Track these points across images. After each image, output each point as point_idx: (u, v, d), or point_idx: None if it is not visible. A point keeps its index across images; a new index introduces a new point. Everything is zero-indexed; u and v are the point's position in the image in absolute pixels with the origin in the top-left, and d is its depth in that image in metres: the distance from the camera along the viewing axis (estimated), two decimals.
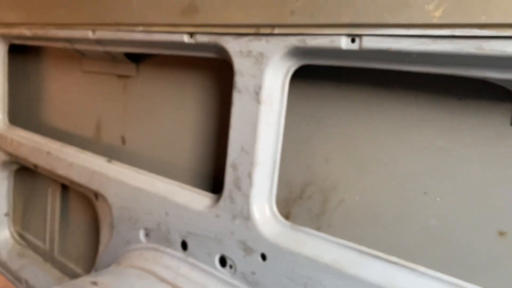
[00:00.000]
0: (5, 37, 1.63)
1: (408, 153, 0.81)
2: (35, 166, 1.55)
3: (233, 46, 0.92)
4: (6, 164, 1.71)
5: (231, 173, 0.95)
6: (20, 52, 1.73)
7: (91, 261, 1.52)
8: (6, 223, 1.82)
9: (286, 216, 0.98)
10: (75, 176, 1.35)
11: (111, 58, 1.32)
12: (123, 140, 1.36)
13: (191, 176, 1.18)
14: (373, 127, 0.85)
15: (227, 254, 0.96)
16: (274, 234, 0.89)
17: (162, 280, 0.99)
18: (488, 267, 0.73)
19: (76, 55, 1.46)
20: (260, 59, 0.88)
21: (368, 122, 0.86)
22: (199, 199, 1.03)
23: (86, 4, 1.25)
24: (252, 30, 0.88)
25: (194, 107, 1.17)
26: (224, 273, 0.97)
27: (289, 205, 0.98)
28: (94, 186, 1.29)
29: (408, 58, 0.70)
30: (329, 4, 0.76)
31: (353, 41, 0.74)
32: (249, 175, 0.91)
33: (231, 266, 0.96)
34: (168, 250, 1.07)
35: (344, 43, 0.75)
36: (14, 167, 1.75)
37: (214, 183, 1.13)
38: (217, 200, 0.99)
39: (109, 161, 1.30)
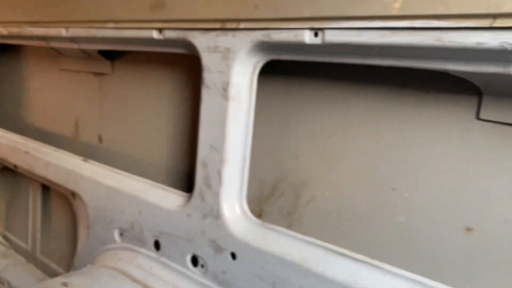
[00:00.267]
0: None
1: (376, 148, 0.80)
2: (15, 166, 1.53)
3: (200, 41, 0.90)
4: None
5: (202, 171, 0.93)
6: None
7: (72, 261, 1.50)
8: None
9: (259, 214, 0.97)
10: (52, 175, 1.34)
11: (86, 56, 1.30)
12: (100, 139, 1.35)
13: (167, 174, 1.17)
14: (342, 122, 0.84)
15: (199, 253, 0.95)
16: (244, 233, 0.88)
17: (134, 280, 0.98)
18: (455, 263, 0.71)
19: (53, 54, 1.44)
20: (227, 55, 0.86)
21: (337, 118, 0.84)
22: (171, 198, 1.02)
23: (59, 1, 1.23)
24: (218, 25, 0.86)
25: (168, 105, 1.15)
26: (196, 272, 0.95)
27: (261, 203, 0.97)
28: (70, 185, 1.27)
29: (370, 51, 0.69)
30: None
31: (316, 35, 0.73)
32: (219, 173, 0.90)
33: (202, 266, 0.94)
34: (142, 250, 1.06)
35: (308, 37, 0.74)
36: None
37: (189, 181, 1.12)
38: (189, 199, 0.98)
39: (85, 160, 1.28)
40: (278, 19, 0.77)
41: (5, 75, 1.75)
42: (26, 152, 1.44)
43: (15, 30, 1.42)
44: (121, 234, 1.13)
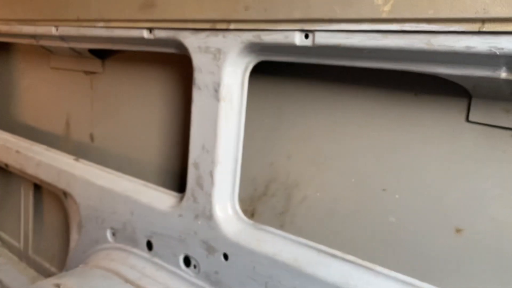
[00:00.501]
0: None
1: (367, 149, 0.80)
2: (6, 165, 1.52)
3: (191, 41, 0.90)
4: None
5: (193, 172, 0.93)
6: None
7: (65, 260, 1.50)
8: None
9: (252, 213, 0.97)
10: (43, 175, 1.33)
11: (77, 54, 1.29)
12: (92, 138, 1.34)
13: (159, 174, 1.16)
14: (333, 123, 0.84)
15: (191, 254, 0.95)
16: (236, 234, 0.88)
17: (127, 280, 0.98)
18: (445, 263, 0.72)
19: (43, 52, 1.43)
20: (218, 55, 0.86)
21: (328, 119, 0.84)
22: (163, 199, 1.02)
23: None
24: (208, 25, 0.86)
25: (160, 103, 1.14)
26: (189, 273, 0.96)
27: (254, 203, 0.97)
28: (62, 185, 1.27)
29: (361, 53, 0.69)
30: None
31: (306, 37, 0.73)
32: (211, 174, 0.90)
33: (195, 266, 0.95)
34: (134, 250, 1.06)
35: (298, 39, 0.73)
36: None
37: (180, 180, 1.11)
38: (181, 199, 0.97)
39: (76, 159, 1.27)
40: (268, 21, 0.77)
41: None
42: (17, 151, 1.43)
43: (3, 27, 1.40)
44: (113, 234, 1.12)
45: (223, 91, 0.86)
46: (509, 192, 0.66)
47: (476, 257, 0.69)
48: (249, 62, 0.85)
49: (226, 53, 0.84)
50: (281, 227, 0.92)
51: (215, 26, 0.85)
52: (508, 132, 0.65)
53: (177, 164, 1.13)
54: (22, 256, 1.68)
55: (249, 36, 0.80)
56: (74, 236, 1.29)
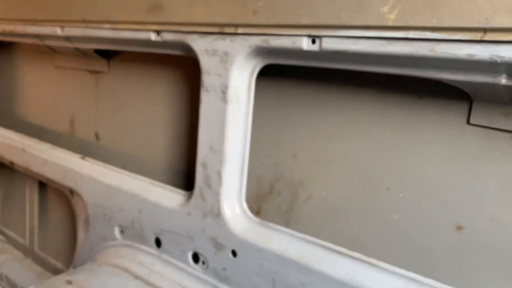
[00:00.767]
0: None
1: (371, 149, 0.83)
2: (11, 163, 1.54)
3: (199, 44, 0.92)
4: None
5: (201, 171, 0.96)
6: None
7: (71, 256, 1.53)
8: None
9: (257, 211, 1.00)
10: (49, 173, 1.35)
11: (82, 54, 1.31)
12: (97, 136, 1.36)
13: (165, 172, 1.19)
14: (338, 124, 0.86)
15: (199, 250, 0.98)
16: (243, 231, 0.91)
17: (136, 277, 1.01)
18: (446, 260, 0.75)
19: (48, 50, 1.44)
20: (225, 58, 0.88)
21: (333, 120, 0.87)
22: (171, 197, 1.04)
23: (54, 0, 1.23)
24: (216, 29, 0.88)
25: (166, 103, 1.16)
26: (197, 269, 0.99)
27: (260, 201, 1.00)
28: (68, 183, 1.29)
29: (366, 59, 0.71)
30: (289, 5, 0.76)
31: (313, 42, 0.75)
32: (219, 174, 0.92)
33: (203, 262, 0.98)
34: (143, 247, 1.08)
35: (305, 43, 0.76)
36: None
37: (188, 178, 1.14)
38: (189, 197, 1.00)
39: (82, 158, 1.30)
40: (276, 26, 0.79)
41: None
42: (23, 150, 1.45)
43: (8, 27, 1.41)
44: (121, 231, 1.15)
45: (231, 93, 0.89)
46: (508, 192, 0.69)
47: (475, 253, 0.73)
48: (256, 65, 0.87)
49: (233, 56, 0.86)
50: (286, 224, 0.95)
51: (223, 30, 0.87)
52: (508, 134, 0.68)
53: (182, 163, 1.15)
54: (28, 252, 1.71)
55: (257, 40, 0.82)
56: (81, 233, 1.31)
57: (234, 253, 0.91)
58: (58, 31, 1.22)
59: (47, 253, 1.65)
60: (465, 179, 0.73)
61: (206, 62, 0.91)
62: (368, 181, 0.84)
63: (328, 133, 0.88)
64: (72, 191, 1.31)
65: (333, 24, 0.72)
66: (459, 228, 0.74)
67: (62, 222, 1.57)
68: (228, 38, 0.87)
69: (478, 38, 0.59)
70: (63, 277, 1.03)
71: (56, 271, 1.58)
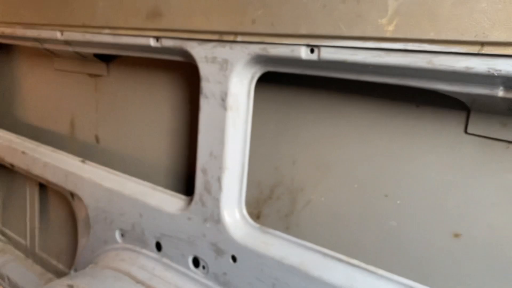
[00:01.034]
0: None
1: (369, 157, 0.83)
2: (12, 165, 1.54)
3: (198, 51, 0.92)
4: None
5: (201, 177, 0.96)
6: None
7: (72, 256, 1.54)
8: None
9: (257, 216, 1.01)
10: (50, 176, 1.36)
11: (81, 57, 1.31)
12: (97, 139, 1.37)
13: (165, 176, 1.20)
14: (337, 131, 0.87)
15: (200, 255, 0.99)
16: (243, 237, 0.92)
17: (138, 281, 1.02)
18: (443, 266, 0.76)
19: (48, 53, 1.44)
20: (225, 66, 0.88)
21: (332, 126, 0.88)
22: (172, 202, 1.05)
23: (54, 4, 1.23)
24: (215, 37, 0.88)
25: (166, 108, 1.17)
26: (197, 273, 1.00)
27: (259, 205, 1.01)
28: (69, 186, 1.30)
29: (365, 69, 0.72)
30: (288, 15, 0.77)
31: (312, 51, 0.76)
32: (219, 180, 0.93)
33: (204, 267, 0.99)
34: (144, 250, 1.09)
35: (304, 53, 0.76)
36: None
37: (188, 183, 1.15)
38: (189, 203, 1.01)
39: (83, 161, 1.30)
40: (275, 35, 0.79)
41: None
42: (23, 152, 1.45)
43: (8, 30, 1.42)
44: (122, 235, 1.16)
45: (230, 100, 0.89)
46: (504, 200, 0.70)
47: (472, 261, 0.73)
48: (255, 72, 0.88)
49: (233, 64, 0.87)
50: (286, 229, 0.96)
51: (222, 37, 0.87)
52: (504, 144, 0.69)
53: (182, 167, 1.16)
54: (29, 253, 1.72)
55: (256, 49, 0.83)
56: (82, 236, 1.32)
57: (234, 259, 0.92)
58: (57, 35, 1.23)
59: (48, 253, 1.66)
60: (463, 187, 0.74)
61: (205, 69, 0.92)
62: (367, 188, 0.84)
63: (328, 139, 0.89)
64: (72, 194, 1.32)
65: (332, 34, 0.72)
66: (456, 235, 0.75)
67: (63, 223, 1.58)
68: (228, 45, 0.87)
69: (476, 51, 0.60)
70: (64, 280, 1.04)
71: (57, 272, 1.59)
